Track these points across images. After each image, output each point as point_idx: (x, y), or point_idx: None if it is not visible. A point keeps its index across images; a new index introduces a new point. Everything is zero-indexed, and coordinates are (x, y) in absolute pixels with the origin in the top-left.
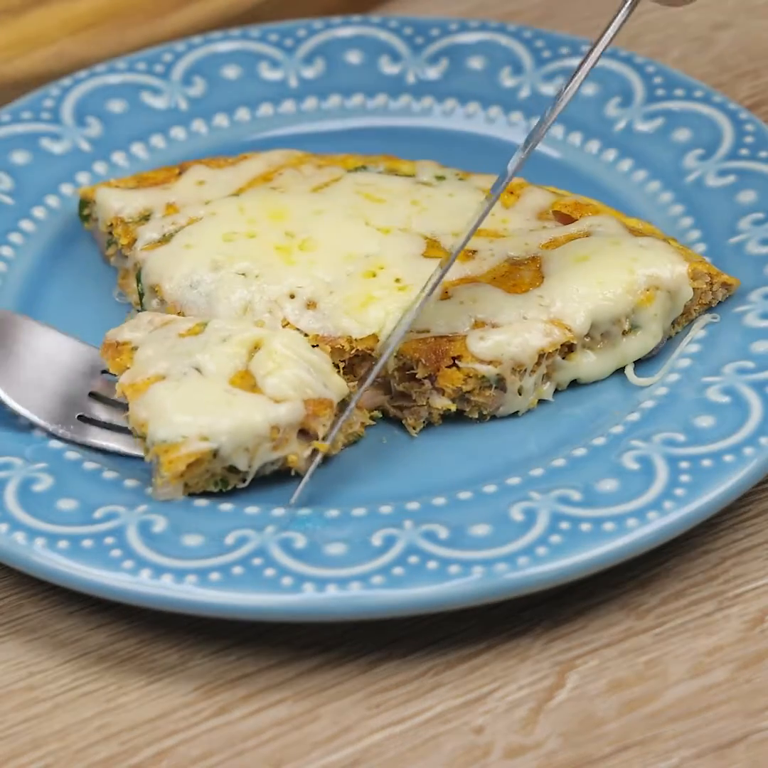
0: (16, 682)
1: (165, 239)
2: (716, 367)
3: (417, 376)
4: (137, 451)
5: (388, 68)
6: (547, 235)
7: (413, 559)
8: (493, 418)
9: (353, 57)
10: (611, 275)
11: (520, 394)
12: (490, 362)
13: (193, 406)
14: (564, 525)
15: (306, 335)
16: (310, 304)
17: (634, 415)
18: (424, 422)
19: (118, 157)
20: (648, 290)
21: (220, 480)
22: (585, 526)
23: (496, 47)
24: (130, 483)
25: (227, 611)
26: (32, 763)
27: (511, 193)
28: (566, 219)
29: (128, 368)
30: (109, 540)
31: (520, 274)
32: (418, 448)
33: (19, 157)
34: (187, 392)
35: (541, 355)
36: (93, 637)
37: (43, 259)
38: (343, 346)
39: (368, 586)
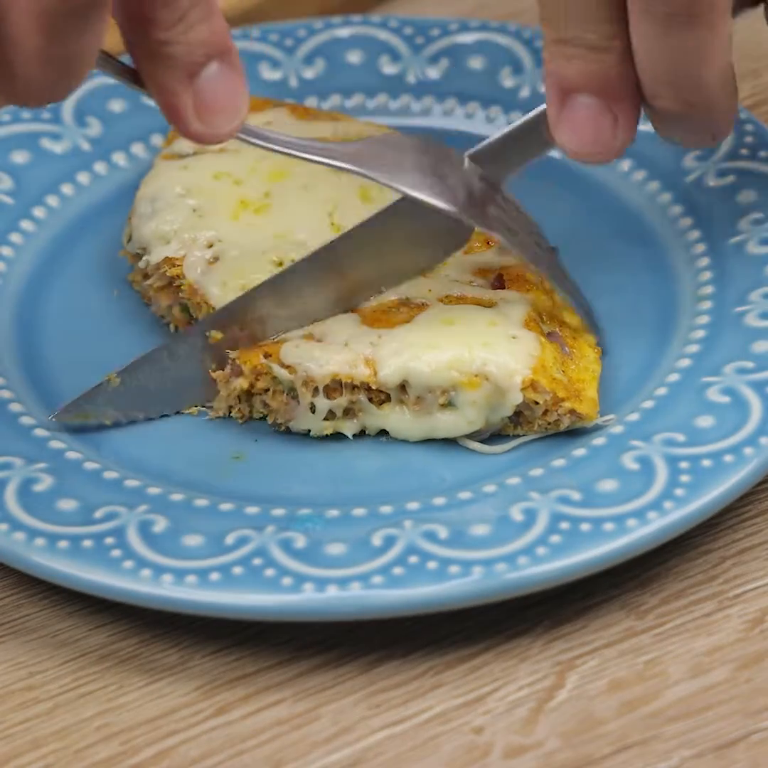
0: (16, 682)
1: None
2: (716, 367)
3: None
4: None
5: (388, 68)
6: (458, 291)
7: (413, 559)
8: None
9: (353, 57)
10: (449, 346)
11: (312, 412)
12: (287, 367)
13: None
14: (564, 525)
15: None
16: (213, 260)
17: (634, 415)
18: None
19: (118, 157)
20: (477, 376)
21: None
22: (585, 526)
23: (496, 47)
24: (130, 483)
25: (227, 611)
26: (32, 763)
27: (489, 243)
28: (500, 285)
29: None
30: (109, 540)
31: (397, 313)
32: (417, 448)
33: (19, 157)
34: None
35: (340, 384)
36: (93, 637)
37: (43, 259)
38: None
39: (368, 586)
